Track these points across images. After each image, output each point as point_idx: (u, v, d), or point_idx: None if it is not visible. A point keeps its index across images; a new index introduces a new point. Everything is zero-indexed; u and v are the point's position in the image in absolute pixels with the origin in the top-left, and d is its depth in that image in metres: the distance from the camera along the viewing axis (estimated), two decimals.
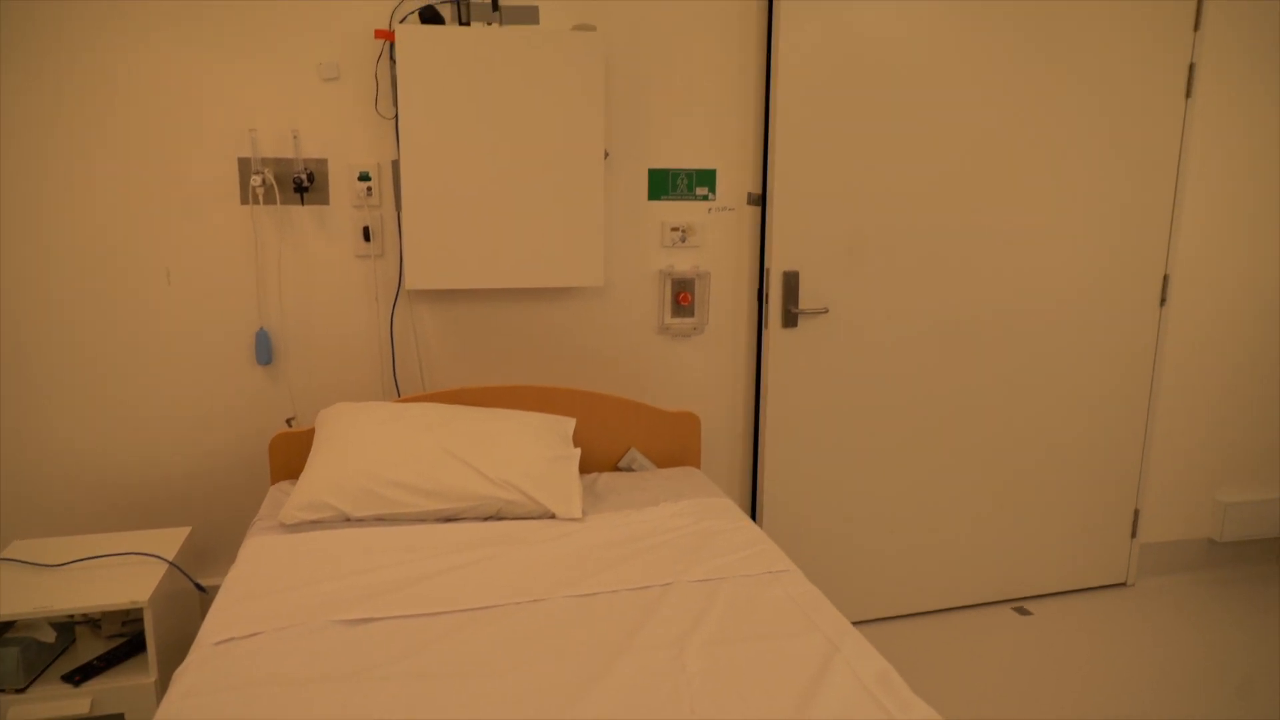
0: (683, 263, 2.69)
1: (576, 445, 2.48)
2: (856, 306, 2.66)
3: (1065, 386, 2.89)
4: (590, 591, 1.71)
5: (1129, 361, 2.92)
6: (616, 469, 2.55)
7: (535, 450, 2.17)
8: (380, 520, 2.03)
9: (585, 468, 2.51)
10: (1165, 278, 2.92)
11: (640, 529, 2.02)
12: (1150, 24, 2.67)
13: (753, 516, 2.79)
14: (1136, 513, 3.09)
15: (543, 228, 2.46)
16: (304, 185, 2.38)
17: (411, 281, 2.41)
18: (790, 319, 2.60)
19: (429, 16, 2.35)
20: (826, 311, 2.61)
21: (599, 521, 2.07)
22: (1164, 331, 2.96)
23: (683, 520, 2.08)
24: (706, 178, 2.66)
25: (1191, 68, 2.79)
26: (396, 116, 2.38)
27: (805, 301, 2.61)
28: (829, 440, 2.73)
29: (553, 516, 2.08)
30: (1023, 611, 2.89)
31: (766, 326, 2.60)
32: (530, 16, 2.42)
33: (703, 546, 1.93)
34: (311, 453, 2.16)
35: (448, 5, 2.38)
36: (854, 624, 2.81)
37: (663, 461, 2.57)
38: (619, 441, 2.54)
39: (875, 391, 2.73)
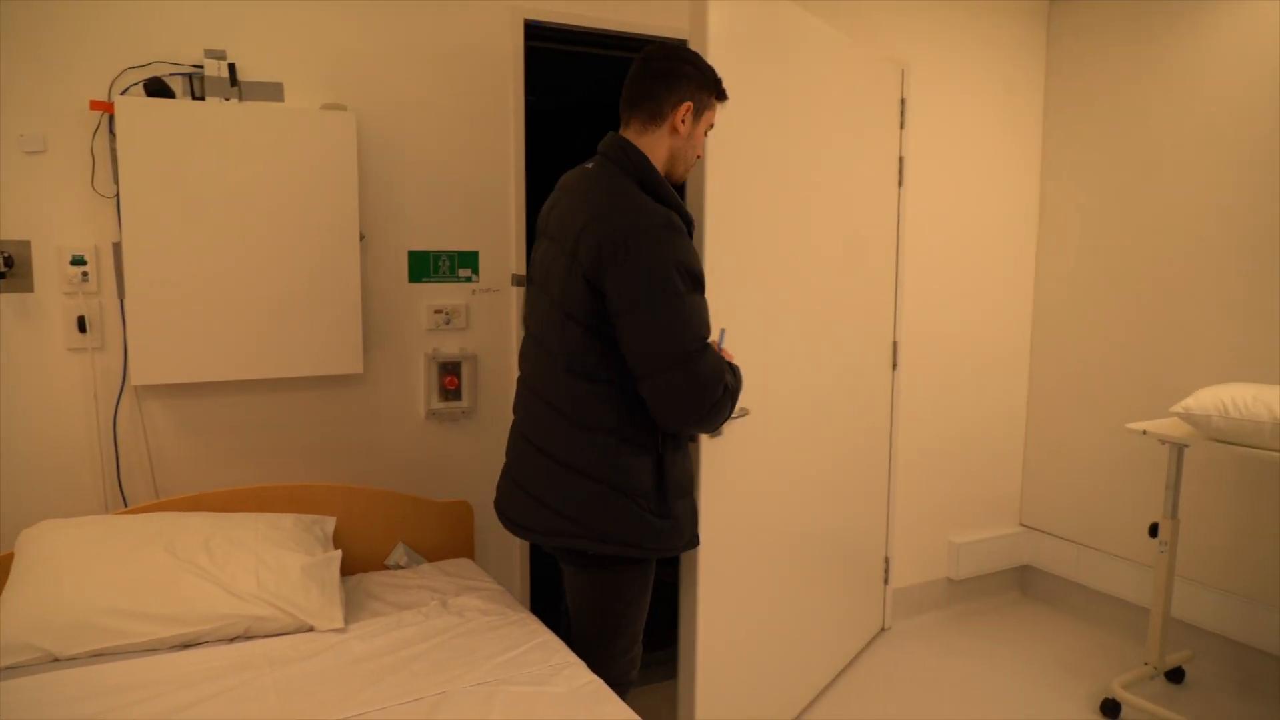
0: (449, 345, 2.62)
1: (337, 546, 2.30)
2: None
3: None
4: (356, 713, 1.57)
5: (872, 420, 3.19)
6: (384, 567, 2.38)
7: (288, 556, 1.99)
8: (99, 657, 1.75)
9: (348, 569, 2.32)
10: (894, 344, 3.24)
11: (410, 633, 1.90)
12: (871, 124, 2.99)
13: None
14: (887, 560, 3.34)
15: (293, 313, 2.30)
16: None
17: (138, 376, 2.15)
18: None
19: (156, 89, 2.16)
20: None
21: (364, 629, 1.91)
22: (896, 393, 3.27)
23: (456, 618, 1.97)
24: (469, 259, 2.62)
25: (900, 160, 3.16)
26: (118, 195, 2.15)
27: None
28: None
29: (311, 629, 1.90)
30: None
31: (695, 439, 2.14)
32: (274, 93, 2.30)
33: (478, 646, 1.83)
34: (8, 583, 1.85)
35: (178, 79, 2.20)
36: None
37: (434, 554, 2.45)
38: (386, 537, 2.39)
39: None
